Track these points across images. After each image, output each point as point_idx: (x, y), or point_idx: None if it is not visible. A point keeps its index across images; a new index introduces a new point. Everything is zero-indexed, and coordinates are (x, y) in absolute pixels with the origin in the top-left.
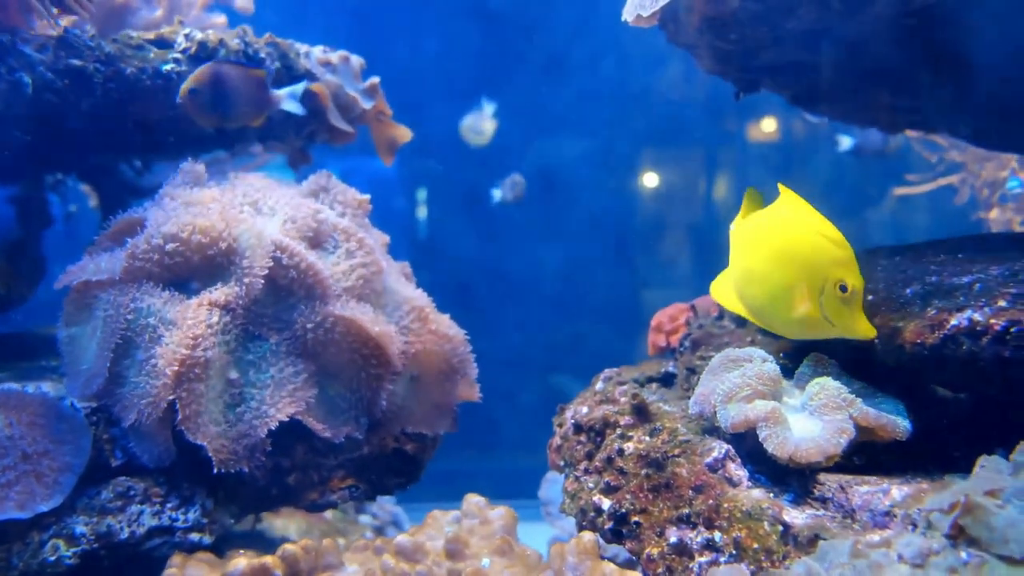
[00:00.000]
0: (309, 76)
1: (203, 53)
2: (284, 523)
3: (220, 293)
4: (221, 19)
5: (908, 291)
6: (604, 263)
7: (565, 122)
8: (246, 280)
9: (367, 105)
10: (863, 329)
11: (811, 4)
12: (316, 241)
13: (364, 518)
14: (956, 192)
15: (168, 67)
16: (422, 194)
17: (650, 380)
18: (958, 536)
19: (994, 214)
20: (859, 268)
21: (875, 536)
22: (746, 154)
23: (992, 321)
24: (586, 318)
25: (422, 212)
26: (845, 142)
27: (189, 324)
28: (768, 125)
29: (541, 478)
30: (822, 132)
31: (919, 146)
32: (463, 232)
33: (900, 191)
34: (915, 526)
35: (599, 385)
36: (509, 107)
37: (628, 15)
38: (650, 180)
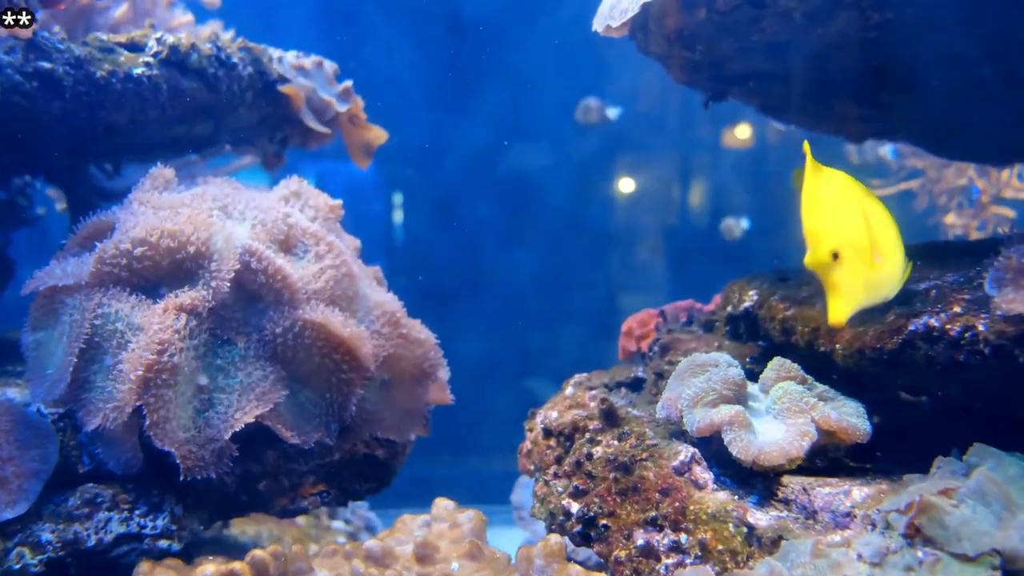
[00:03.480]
0: (282, 80)
1: (174, 57)
2: (255, 529)
3: (187, 297)
4: (187, 17)
5: None
6: (577, 269)
7: (538, 128)
8: (213, 284)
9: (341, 108)
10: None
11: (774, 17)
12: (286, 245)
13: (337, 524)
14: (915, 197)
15: (139, 71)
16: (397, 198)
17: (620, 385)
18: (914, 535)
19: (950, 219)
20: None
21: (836, 536)
22: (720, 160)
23: (948, 326)
24: (558, 323)
25: (397, 216)
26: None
27: (156, 329)
28: (742, 131)
29: (514, 482)
30: (792, 139)
31: (883, 152)
32: (437, 237)
33: None
34: (874, 526)
35: (569, 390)
36: (483, 113)
37: (598, 26)
38: (624, 186)
